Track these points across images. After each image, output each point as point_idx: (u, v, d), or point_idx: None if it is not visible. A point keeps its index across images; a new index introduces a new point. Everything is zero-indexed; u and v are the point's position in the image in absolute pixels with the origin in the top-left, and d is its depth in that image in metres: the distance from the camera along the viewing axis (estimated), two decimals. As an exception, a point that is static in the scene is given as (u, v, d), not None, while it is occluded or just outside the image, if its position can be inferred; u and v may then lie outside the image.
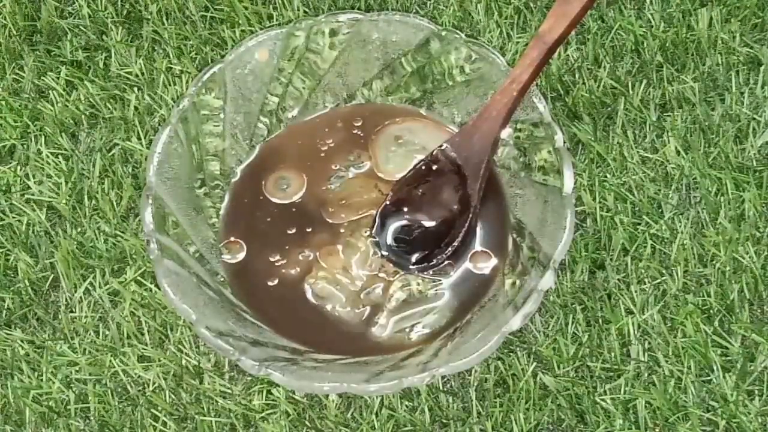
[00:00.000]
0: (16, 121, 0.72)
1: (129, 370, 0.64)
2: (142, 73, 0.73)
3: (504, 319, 0.59)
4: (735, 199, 0.67)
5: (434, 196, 0.65)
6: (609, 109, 0.70)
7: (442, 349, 0.62)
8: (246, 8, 0.74)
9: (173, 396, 0.64)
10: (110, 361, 0.65)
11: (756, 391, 0.62)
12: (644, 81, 0.71)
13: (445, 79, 0.69)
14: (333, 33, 0.68)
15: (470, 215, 0.64)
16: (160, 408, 0.63)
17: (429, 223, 0.65)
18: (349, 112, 0.71)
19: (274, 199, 0.68)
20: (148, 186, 0.63)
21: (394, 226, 0.65)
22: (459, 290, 0.65)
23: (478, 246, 0.66)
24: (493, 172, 0.66)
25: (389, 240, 0.65)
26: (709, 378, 0.63)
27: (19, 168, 0.71)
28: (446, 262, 0.65)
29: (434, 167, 0.65)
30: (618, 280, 0.65)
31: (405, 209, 0.65)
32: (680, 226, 0.66)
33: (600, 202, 0.67)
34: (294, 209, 0.67)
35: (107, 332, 0.66)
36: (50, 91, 0.73)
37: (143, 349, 0.65)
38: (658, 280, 0.65)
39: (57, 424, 0.64)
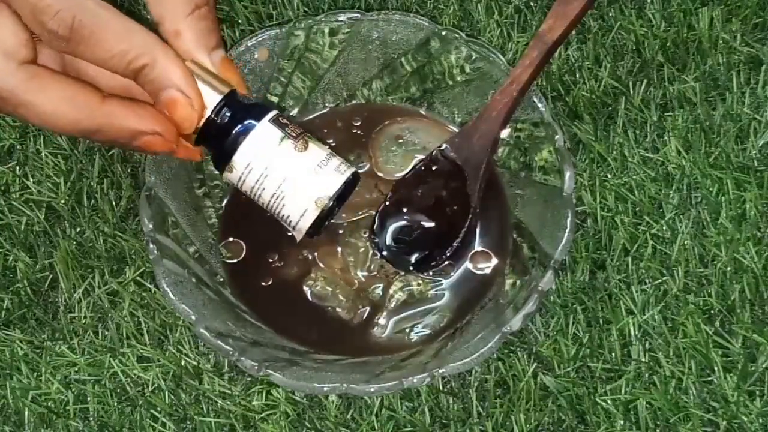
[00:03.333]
0: (15, 121, 0.72)
1: (128, 371, 0.64)
2: (142, 73, 0.73)
3: (504, 320, 0.59)
4: (736, 199, 0.67)
5: (434, 196, 0.65)
6: (610, 108, 0.70)
7: (442, 350, 0.61)
8: (245, 7, 0.74)
9: (172, 396, 0.64)
10: (109, 361, 0.64)
11: (757, 392, 0.62)
12: (645, 81, 0.71)
13: (446, 78, 0.69)
14: (333, 32, 0.68)
15: (470, 215, 0.64)
16: (159, 408, 0.63)
17: (429, 224, 0.65)
18: (349, 112, 0.71)
19: (273, 199, 0.67)
20: (148, 186, 0.63)
21: (393, 226, 0.65)
22: (459, 291, 0.65)
23: (478, 246, 0.65)
24: (493, 172, 0.66)
25: (389, 240, 0.65)
26: (710, 378, 0.62)
27: (18, 168, 0.71)
28: (446, 263, 0.65)
29: (434, 168, 0.65)
30: (619, 280, 0.65)
31: (405, 210, 0.65)
32: (681, 227, 0.66)
33: (600, 202, 0.67)
34: (294, 209, 0.67)
35: (106, 333, 0.66)
36: (49, 91, 0.73)
37: (142, 349, 0.65)
38: (659, 281, 0.65)
39: (56, 425, 0.63)
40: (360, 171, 0.68)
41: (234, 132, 0.56)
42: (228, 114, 0.56)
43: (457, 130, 0.68)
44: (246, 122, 0.56)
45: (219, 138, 0.56)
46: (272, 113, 0.57)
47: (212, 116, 0.55)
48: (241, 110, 0.56)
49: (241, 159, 0.57)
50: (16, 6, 0.52)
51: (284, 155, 0.56)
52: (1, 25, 0.53)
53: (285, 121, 0.57)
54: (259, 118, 0.57)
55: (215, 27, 0.56)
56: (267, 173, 0.57)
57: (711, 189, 0.67)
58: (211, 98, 0.55)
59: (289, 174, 0.57)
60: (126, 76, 0.53)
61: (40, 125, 0.54)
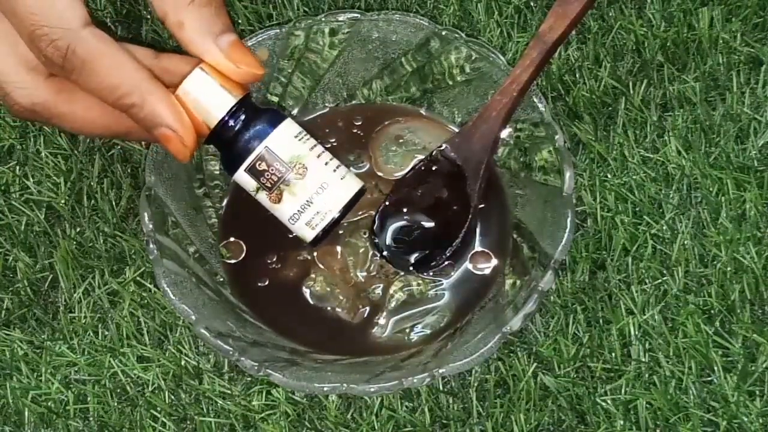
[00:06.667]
0: (15, 121, 0.72)
1: (128, 371, 0.64)
2: (142, 73, 0.73)
3: (504, 320, 0.59)
4: (736, 199, 0.67)
5: (434, 196, 0.65)
6: (610, 108, 0.70)
7: (442, 350, 0.61)
8: (245, 7, 0.74)
9: (172, 396, 0.64)
10: (109, 361, 0.64)
11: (757, 392, 0.62)
12: (645, 81, 0.71)
13: (446, 78, 0.69)
14: (333, 32, 0.68)
15: (470, 215, 0.64)
16: (159, 408, 0.63)
17: (429, 224, 0.65)
18: (349, 112, 0.71)
19: (273, 199, 0.67)
20: (148, 186, 0.63)
21: (393, 226, 0.65)
22: (459, 291, 0.65)
23: (478, 246, 0.65)
24: (493, 172, 0.66)
25: (389, 240, 0.65)
26: (710, 378, 0.62)
27: (18, 168, 0.71)
28: (446, 263, 0.65)
29: (434, 168, 0.65)
30: (618, 280, 0.65)
31: (405, 210, 0.65)
32: (681, 226, 0.66)
33: (600, 202, 0.67)
34: (294, 209, 0.67)
35: (106, 332, 0.66)
36: (49, 91, 0.73)
37: (142, 349, 0.65)
38: (659, 281, 0.65)
39: (56, 425, 0.63)
40: (360, 171, 0.68)
41: (243, 140, 0.57)
42: (242, 118, 0.57)
43: (457, 130, 0.68)
44: (257, 128, 0.57)
45: (228, 143, 0.57)
46: (276, 131, 0.58)
47: (225, 119, 0.56)
48: (252, 117, 0.57)
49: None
50: (17, 30, 0.53)
51: (262, 202, 0.59)
52: (21, 41, 0.53)
53: (263, 167, 0.57)
54: (275, 124, 0.58)
55: (221, 12, 0.55)
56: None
57: (711, 189, 0.67)
58: (224, 102, 0.56)
59: (273, 214, 0.59)
60: (116, 109, 0.54)
61: (73, 132, 0.55)
